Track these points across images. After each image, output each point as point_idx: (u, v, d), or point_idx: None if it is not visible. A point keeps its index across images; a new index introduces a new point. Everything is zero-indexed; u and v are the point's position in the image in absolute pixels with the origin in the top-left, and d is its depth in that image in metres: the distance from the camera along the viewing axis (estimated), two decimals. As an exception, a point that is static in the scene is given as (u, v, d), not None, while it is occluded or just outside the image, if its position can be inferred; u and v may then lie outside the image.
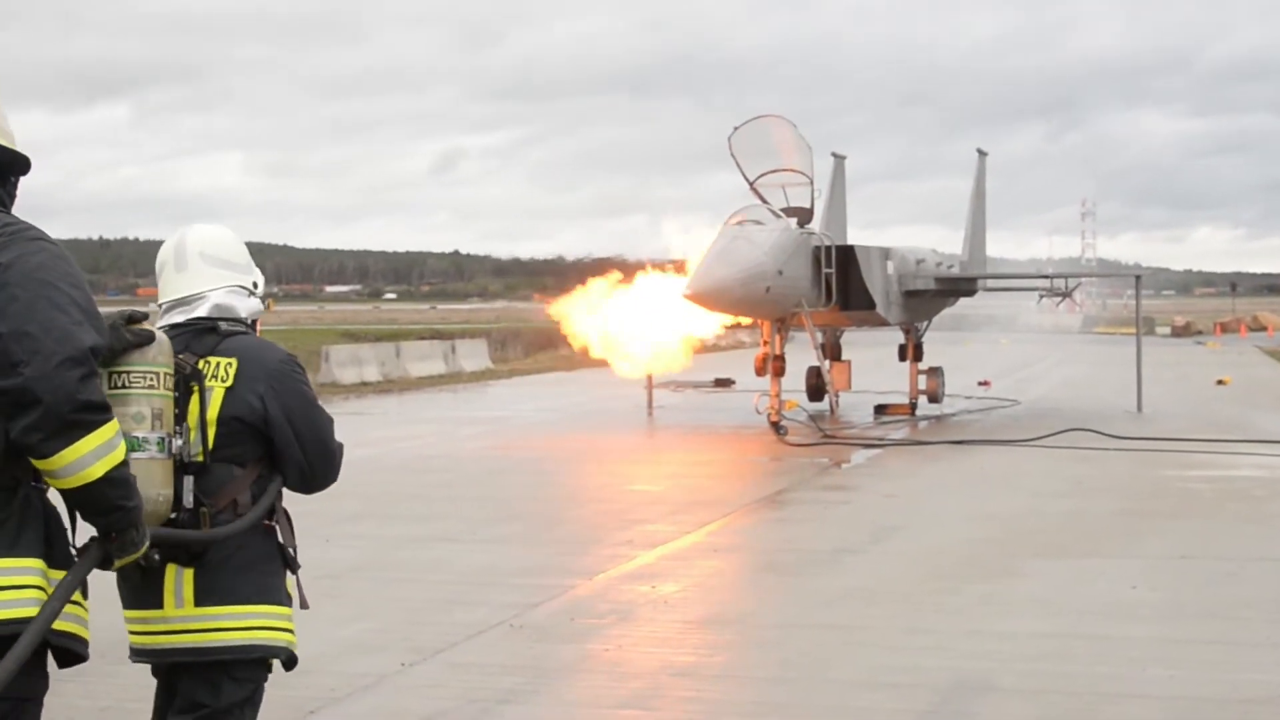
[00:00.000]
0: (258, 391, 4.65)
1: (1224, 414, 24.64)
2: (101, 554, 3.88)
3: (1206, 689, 7.68)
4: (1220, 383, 32.21)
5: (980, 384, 30.96)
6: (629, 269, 24.98)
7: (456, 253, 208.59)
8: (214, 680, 4.59)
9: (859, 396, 27.55)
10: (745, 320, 24.83)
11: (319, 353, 33.76)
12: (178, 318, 4.76)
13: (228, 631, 4.59)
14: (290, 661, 4.76)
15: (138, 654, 4.71)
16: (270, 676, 4.75)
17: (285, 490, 4.78)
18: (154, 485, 4.37)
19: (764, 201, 23.05)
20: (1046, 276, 28.66)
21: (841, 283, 23.01)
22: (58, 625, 3.79)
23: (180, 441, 4.50)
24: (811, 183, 23.32)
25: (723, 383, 33.38)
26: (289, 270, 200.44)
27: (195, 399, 4.58)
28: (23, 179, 4.05)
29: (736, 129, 23.35)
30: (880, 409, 26.18)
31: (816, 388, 26.47)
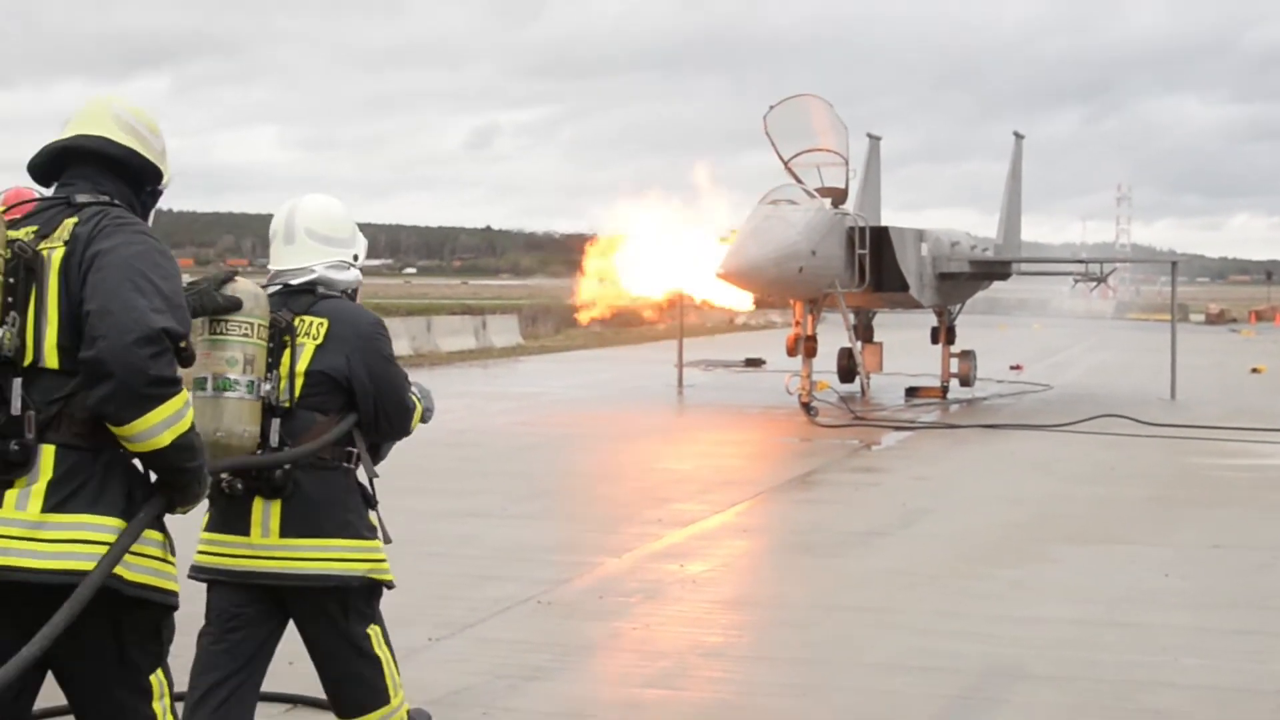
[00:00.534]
0: (345, 351, 5.20)
1: (1258, 403, 24.46)
2: (164, 506, 4.18)
3: (1239, 679, 7.62)
4: (1255, 371, 32.00)
5: (1012, 368, 30.84)
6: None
7: (489, 228, 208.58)
8: (341, 602, 5.16)
9: (890, 379, 27.46)
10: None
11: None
12: (281, 286, 5.35)
13: (307, 561, 5.10)
14: (382, 586, 5.29)
15: (204, 571, 5.23)
16: (288, 650, 5.17)
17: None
18: (241, 422, 4.98)
19: (798, 181, 22.97)
20: (1081, 261, 28.51)
21: (875, 264, 22.90)
22: (132, 577, 4.05)
23: (269, 387, 5.09)
24: (846, 163, 23.20)
25: (753, 363, 33.31)
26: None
27: (287, 352, 5.17)
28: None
29: (772, 108, 23.25)
30: (911, 391, 26.08)
31: (848, 369, 26.40)
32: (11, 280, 4.05)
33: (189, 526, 4.82)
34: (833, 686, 7.47)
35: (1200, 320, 67.53)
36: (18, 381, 4.02)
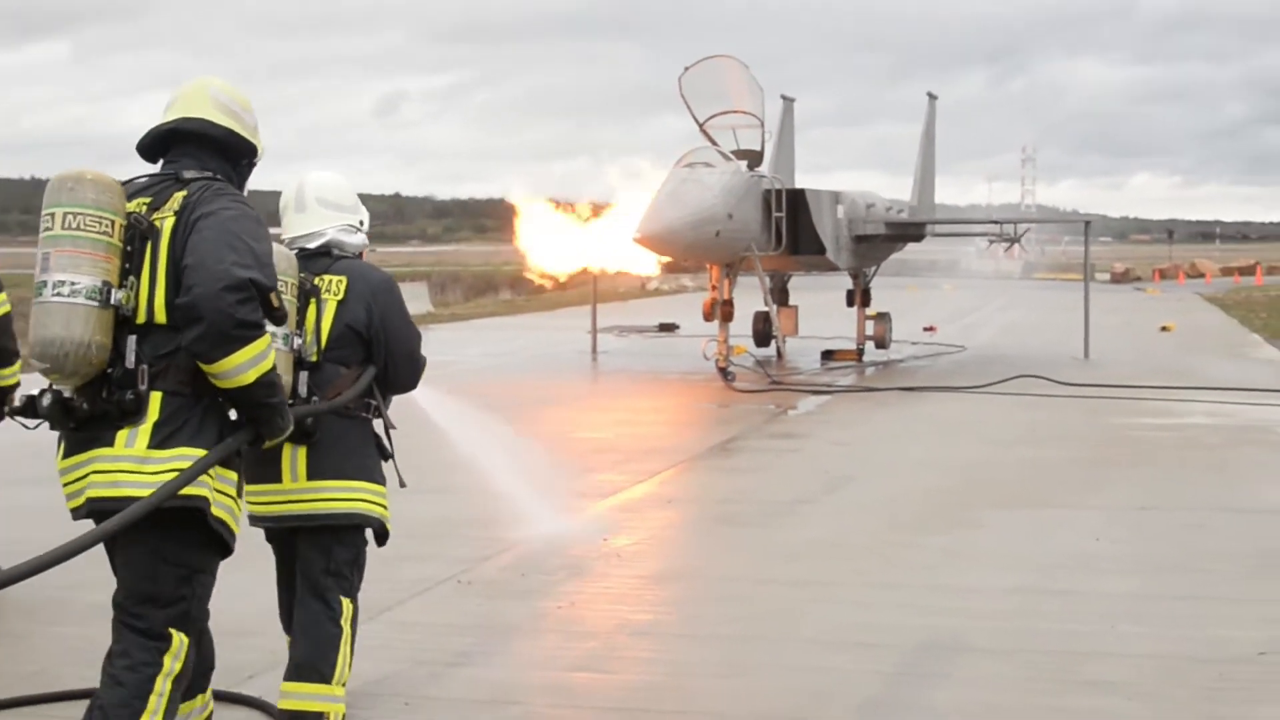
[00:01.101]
0: (364, 304, 5.81)
1: (1171, 361, 24.52)
2: (250, 437, 4.80)
3: (1182, 647, 7.44)
4: (1164, 329, 32.20)
5: (926, 330, 30.78)
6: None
7: (397, 195, 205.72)
8: (324, 545, 5.77)
9: (805, 342, 27.27)
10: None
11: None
12: (298, 251, 5.88)
13: (332, 501, 5.74)
14: (382, 534, 6.02)
15: (256, 520, 5.85)
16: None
17: None
18: (282, 371, 5.24)
19: (714, 144, 22.63)
20: (996, 222, 28.40)
21: (791, 227, 22.64)
22: (216, 512, 4.73)
23: (299, 342, 5.62)
24: (762, 125, 22.88)
25: (667, 328, 33.04)
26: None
27: (312, 309, 5.73)
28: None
29: (687, 69, 22.86)
30: (828, 355, 25.91)
31: (764, 333, 26.19)
32: (129, 248, 4.68)
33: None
34: (771, 665, 7.19)
35: (1106, 279, 68.13)
36: (133, 338, 4.65)
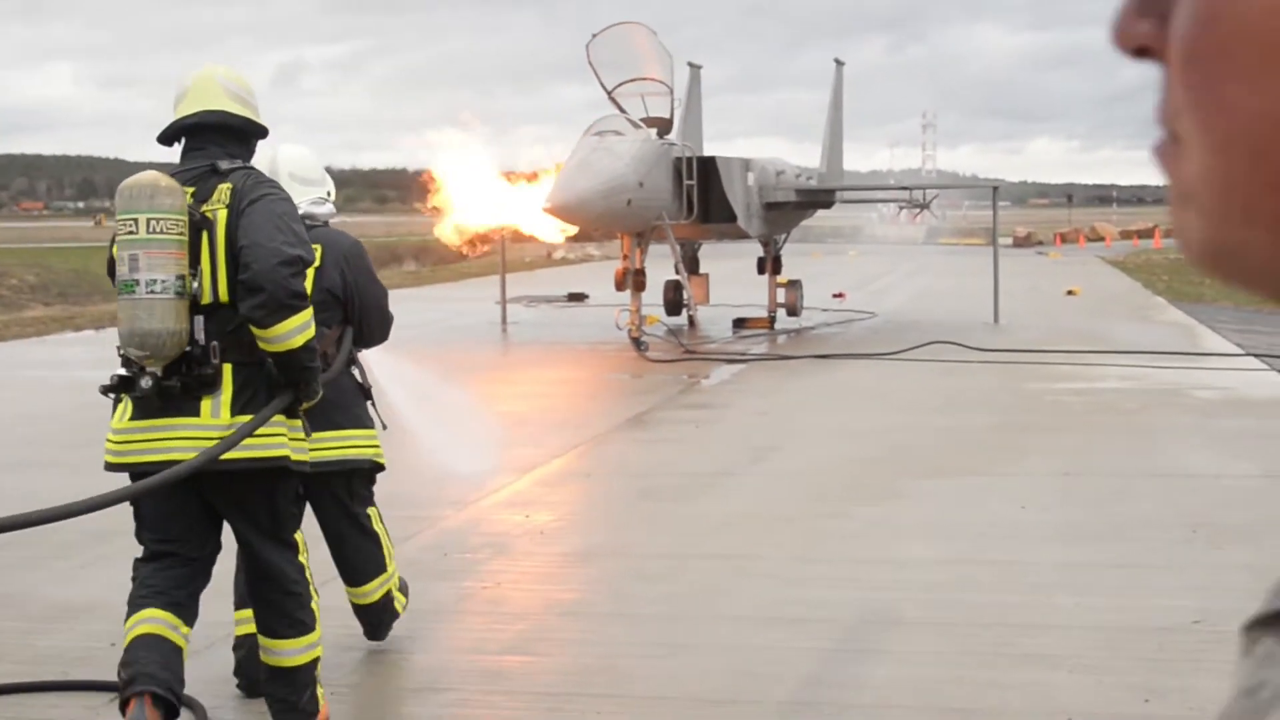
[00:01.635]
0: (338, 269, 6.41)
1: (1079, 324, 24.67)
2: (290, 399, 5.40)
3: (1118, 617, 7.36)
4: (1070, 293, 32.43)
5: (835, 296, 30.75)
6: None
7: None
8: (351, 489, 6.66)
9: (717, 310, 27.12)
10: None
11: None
12: None
13: (332, 450, 6.40)
14: (376, 469, 6.80)
15: None
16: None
17: None
18: None
19: (623, 111, 22.38)
20: (905, 188, 28.46)
21: (702, 195, 22.48)
22: (296, 456, 5.56)
23: None
24: (671, 92, 22.67)
25: (576, 297, 32.76)
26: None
27: None
28: None
29: (595, 36, 22.58)
30: (739, 323, 25.79)
31: (675, 302, 26.00)
32: (191, 240, 5.31)
33: None
34: (704, 644, 7.03)
35: (1008, 243, 68.70)
36: (200, 319, 5.31)
